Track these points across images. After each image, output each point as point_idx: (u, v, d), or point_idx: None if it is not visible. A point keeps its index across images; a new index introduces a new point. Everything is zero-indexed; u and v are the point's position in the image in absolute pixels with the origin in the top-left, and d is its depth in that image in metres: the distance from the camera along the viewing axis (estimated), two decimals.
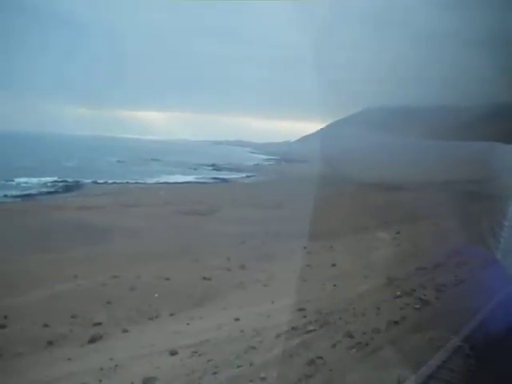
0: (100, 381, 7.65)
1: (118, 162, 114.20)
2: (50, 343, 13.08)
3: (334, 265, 16.78)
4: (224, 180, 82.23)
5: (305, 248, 22.27)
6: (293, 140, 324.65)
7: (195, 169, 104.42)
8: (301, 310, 9.41)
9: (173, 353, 8.64)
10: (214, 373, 6.14)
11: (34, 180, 67.90)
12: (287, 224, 32.48)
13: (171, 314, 14.39)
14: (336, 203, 44.08)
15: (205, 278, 18.37)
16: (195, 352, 8.23)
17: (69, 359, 10.54)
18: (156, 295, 16.79)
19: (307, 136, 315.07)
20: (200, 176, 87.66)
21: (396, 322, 5.92)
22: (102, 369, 8.52)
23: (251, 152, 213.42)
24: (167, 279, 18.80)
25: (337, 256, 19.11)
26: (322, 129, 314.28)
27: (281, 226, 32.41)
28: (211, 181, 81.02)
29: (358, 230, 26.74)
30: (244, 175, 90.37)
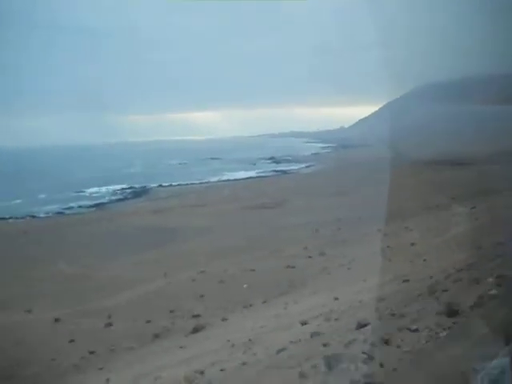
0: (231, 354, 8.31)
1: (180, 164, 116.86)
2: (157, 336, 14.09)
3: (413, 244, 17.03)
4: (284, 172, 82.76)
5: (379, 231, 22.55)
6: (347, 125, 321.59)
7: (254, 164, 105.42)
8: (405, 281, 9.82)
9: (286, 328, 9.19)
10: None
11: (103, 189, 70.53)
12: (356, 210, 32.72)
13: (264, 302, 15.13)
14: (402, 184, 43.66)
15: (288, 267, 19.06)
16: (306, 324, 8.81)
17: (181, 347, 11.42)
18: (245, 286, 17.60)
19: (361, 120, 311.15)
20: (260, 170, 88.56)
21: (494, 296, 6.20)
22: (223, 348, 9.22)
23: (307, 142, 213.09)
24: (252, 270, 19.61)
25: (414, 235, 19.31)
26: (376, 111, 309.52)
27: (350, 213, 32.61)
28: (272, 174, 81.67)
29: (430, 208, 26.72)
30: (303, 165, 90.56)
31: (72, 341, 14.85)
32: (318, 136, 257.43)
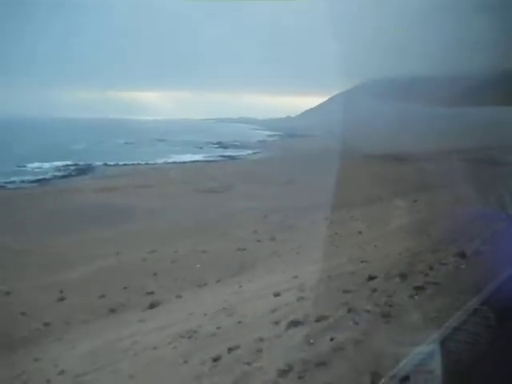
0: (211, 319, 8.73)
1: (125, 143, 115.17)
2: (113, 310, 14.46)
3: (360, 232, 18.00)
4: (231, 157, 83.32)
5: (326, 219, 23.51)
6: (294, 115, 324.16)
7: (201, 147, 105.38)
8: (363, 261, 10.61)
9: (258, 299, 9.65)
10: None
11: (46, 165, 68.92)
12: (302, 198, 33.69)
13: (218, 281, 15.70)
14: (346, 176, 45.05)
15: (239, 249, 19.68)
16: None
17: (140, 321, 11.86)
18: (198, 266, 18.11)
19: (308, 111, 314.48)
20: (207, 154, 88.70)
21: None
22: (193, 317, 9.69)
23: (254, 129, 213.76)
24: (204, 252, 20.13)
25: (360, 224, 20.31)
26: (323, 103, 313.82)
27: (297, 200, 33.53)
28: (219, 159, 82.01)
29: (374, 200, 27.96)
30: (250, 152, 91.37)
31: (23, 313, 14.98)
32: (265, 124, 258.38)
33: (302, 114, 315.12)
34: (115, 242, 24.07)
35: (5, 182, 52.36)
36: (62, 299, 16.14)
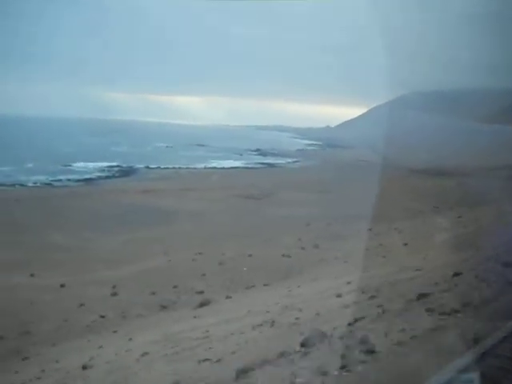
0: (281, 314, 9.16)
1: (166, 147, 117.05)
2: (164, 307, 15.13)
3: (406, 244, 18.22)
4: (271, 165, 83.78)
5: (370, 229, 23.75)
6: (334, 125, 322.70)
7: (241, 154, 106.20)
8: (417, 270, 10.90)
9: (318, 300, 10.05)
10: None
11: (91, 165, 70.62)
12: (343, 208, 33.84)
13: (265, 285, 16.21)
14: (388, 188, 45.00)
15: (284, 256, 20.18)
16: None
17: (194, 317, 12.44)
18: (245, 269, 18.69)
19: (348, 121, 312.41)
20: (247, 161, 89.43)
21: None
22: (247, 314, 10.17)
23: (293, 137, 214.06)
24: (250, 256, 20.68)
25: (405, 236, 20.53)
26: (363, 114, 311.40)
27: (338, 210, 33.68)
28: (258, 166, 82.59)
29: (416, 214, 28.02)
30: (289, 160, 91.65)
31: (81, 305, 15.81)
32: (304, 133, 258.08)
33: (342, 124, 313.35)
34: (163, 242, 24.83)
35: (52, 180, 54.03)
36: (114, 294, 16.91)
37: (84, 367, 8.85)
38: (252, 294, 15.01)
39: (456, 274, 8.67)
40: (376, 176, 56.68)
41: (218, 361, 6.70)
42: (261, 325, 8.21)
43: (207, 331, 8.79)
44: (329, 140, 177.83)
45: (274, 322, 8.25)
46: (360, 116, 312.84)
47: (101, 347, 10.89)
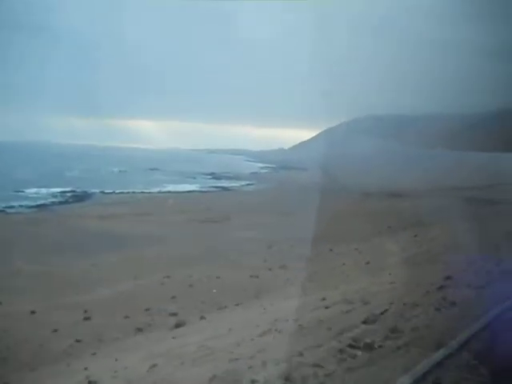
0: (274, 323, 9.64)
1: (119, 171, 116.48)
2: (140, 330, 15.40)
3: (368, 263, 19.14)
4: (225, 188, 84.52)
5: (331, 250, 24.67)
6: (287, 148, 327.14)
7: (194, 177, 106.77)
8: (392, 283, 11.66)
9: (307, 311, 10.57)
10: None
11: (43, 190, 69.69)
12: (302, 230, 34.68)
13: (237, 304, 16.72)
14: (343, 210, 46.62)
15: (252, 276, 20.77)
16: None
17: (173, 338, 12.83)
18: (214, 291, 19.15)
19: (301, 143, 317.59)
20: (201, 185, 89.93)
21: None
22: (227, 333, 10.65)
23: (246, 160, 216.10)
24: (218, 277, 21.16)
25: (366, 256, 21.45)
26: (315, 136, 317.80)
27: (297, 232, 34.42)
28: (213, 189, 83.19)
29: (374, 234, 29.15)
30: (243, 183, 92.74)
31: (55, 330, 15.93)
32: (258, 155, 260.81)
33: (295, 146, 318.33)
34: (128, 267, 25.05)
35: (4, 207, 52.96)
36: (87, 318, 17.08)
37: None
38: (225, 314, 15.51)
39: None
40: (331, 198, 58.35)
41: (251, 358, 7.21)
42: (262, 334, 8.75)
43: (201, 346, 9.22)
44: (282, 162, 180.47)
45: (275, 330, 8.80)
46: (312, 138, 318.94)
47: (86, 369, 11.15)
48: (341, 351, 6.61)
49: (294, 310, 10.59)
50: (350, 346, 6.83)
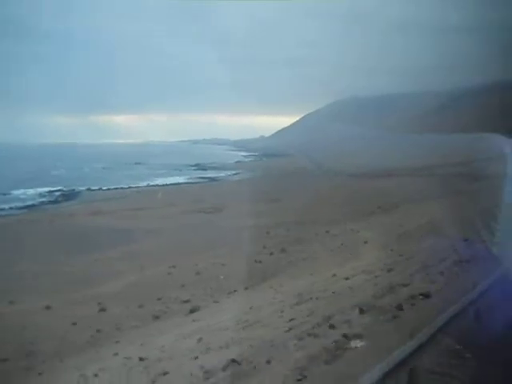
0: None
1: (104, 168, 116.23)
2: (157, 317, 16.16)
3: (366, 242, 19.98)
4: (212, 179, 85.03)
5: (327, 232, 25.51)
6: (267, 135, 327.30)
7: (180, 170, 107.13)
8: (400, 255, 12.45)
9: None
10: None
11: (31, 191, 69.71)
12: (295, 214, 35.56)
13: (246, 288, 17.49)
14: (331, 192, 47.63)
15: (256, 261, 21.54)
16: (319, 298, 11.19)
17: (194, 321, 13.58)
18: (221, 277, 19.94)
19: (281, 130, 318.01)
20: (188, 176, 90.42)
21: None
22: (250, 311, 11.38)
23: (229, 150, 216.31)
24: (223, 265, 21.95)
25: (363, 235, 22.31)
26: (295, 123, 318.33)
27: (291, 217, 35.28)
28: (200, 180, 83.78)
29: (367, 213, 30.11)
30: (229, 173, 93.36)
31: (74, 323, 16.59)
32: (240, 144, 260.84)
33: (275, 133, 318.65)
34: (132, 259, 25.68)
35: None
36: (102, 310, 17.78)
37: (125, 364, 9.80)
38: (236, 297, 16.26)
39: None
40: (318, 182, 59.38)
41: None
42: (297, 303, 9.47)
43: (238, 319, 9.89)
44: (264, 150, 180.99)
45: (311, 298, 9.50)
46: (292, 124, 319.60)
47: (116, 355, 11.86)
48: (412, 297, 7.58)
49: (312, 285, 11.34)
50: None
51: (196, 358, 7.60)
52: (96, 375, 8.99)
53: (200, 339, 8.57)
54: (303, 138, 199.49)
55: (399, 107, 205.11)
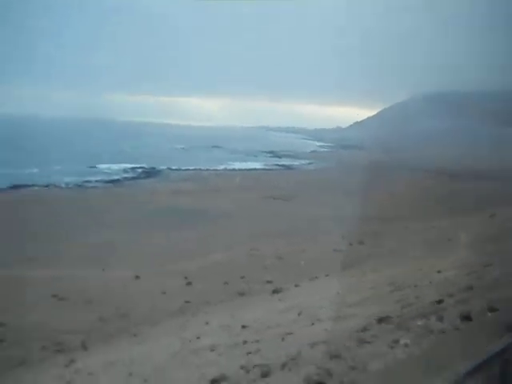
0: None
1: (183, 149, 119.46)
2: (242, 294, 17.06)
3: (450, 239, 19.84)
4: (287, 167, 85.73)
5: (407, 228, 25.56)
6: (344, 126, 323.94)
7: (256, 155, 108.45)
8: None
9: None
10: None
11: (115, 166, 72.83)
12: (373, 208, 35.36)
13: (327, 275, 18.02)
14: (409, 189, 47.02)
15: (335, 250, 22.04)
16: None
17: (280, 300, 14.28)
18: (302, 262, 20.60)
19: (359, 122, 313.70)
20: (263, 163, 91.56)
21: None
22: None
23: (304, 138, 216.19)
24: (303, 251, 22.63)
25: (446, 233, 22.14)
26: (373, 115, 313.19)
27: (366, 210, 35.06)
28: (275, 167, 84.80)
29: (448, 212, 29.75)
30: (304, 162, 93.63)
31: (163, 293, 17.76)
32: (315, 134, 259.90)
33: (353, 125, 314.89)
34: (213, 239, 26.84)
35: (83, 182, 56.02)
36: (189, 284, 18.88)
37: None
38: (317, 283, 16.81)
39: None
40: (394, 177, 58.60)
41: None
42: (392, 291, 9.90)
43: (332, 299, 10.43)
44: (340, 141, 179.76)
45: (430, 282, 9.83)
46: (370, 117, 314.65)
47: (207, 323, 12.73)
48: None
49: (402, 276, 11.69)
50: None
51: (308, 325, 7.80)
52: (198, 338, 9.75)
53: (300, 313, 9.10)
54: (381, 130, 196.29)
55: (482, 104, 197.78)
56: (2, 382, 11.12)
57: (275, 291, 16.43)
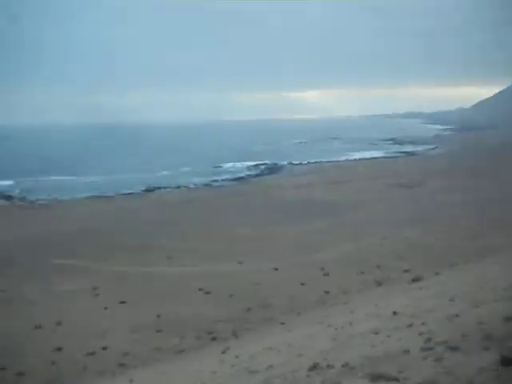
0: None
1: (300, 142, 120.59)
2: (379, 283, 17.35)
3: None
4: (409, 153, 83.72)
5: None
6: (466, 106, 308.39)
7: (376, 144, 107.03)
8: None
9: None
10: None
11: (238, 164, 75.39)
12: (509, 191, 33.50)
13: (466, 263, 17.71)
14: None
15: (470, 239, 21.43)
16: None
17: (420, 288, 14.39)
18: (436, 250, 20.45)
19: (484, 101, 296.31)
20: (385, 151, 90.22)
21: None
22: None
23: (423, 123, 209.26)
24: (437, 239, 22.42)
25: None
26: (500, 92, 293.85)
27: (502, 194, 33.45)
28: (398, 155, 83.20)
29: None
30: (427, 147, 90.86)
31: (302, 284, 18.52)
32: (435, 117, 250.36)
33: (476, 104, 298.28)
34: (340, 230, 27.27)
35: (210, 181, 58.76)
36: (326, 274, 19.48)
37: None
38: (459, 271, 16.55)
39: None
40: None
41: None
42: None
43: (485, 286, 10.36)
44: (463, 123, 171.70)
45: None
46: (497, 94, 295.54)
47: (352, 312, 13.20)
48: None
49: None
50: None
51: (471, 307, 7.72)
52: (351, 324, 10.23)
53: (452, 298, 9.15)
54: (508, 108, 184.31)
55: None
56: (169, 368, 12.28)
57: (415, 279, 16.41)
